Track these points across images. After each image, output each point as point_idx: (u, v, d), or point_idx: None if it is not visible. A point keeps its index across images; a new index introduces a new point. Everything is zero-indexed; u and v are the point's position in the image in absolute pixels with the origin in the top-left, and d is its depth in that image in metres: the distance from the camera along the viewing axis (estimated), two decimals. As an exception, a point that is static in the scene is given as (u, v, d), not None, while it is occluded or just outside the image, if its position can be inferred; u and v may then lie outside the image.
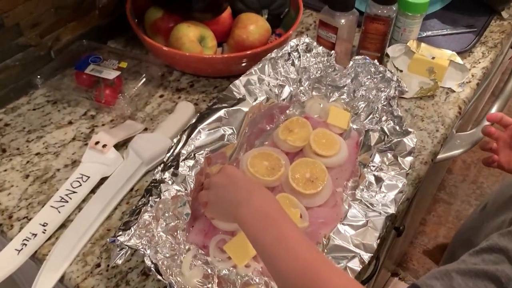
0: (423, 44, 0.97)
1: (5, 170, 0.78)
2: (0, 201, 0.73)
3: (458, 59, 0.95)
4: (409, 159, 0.73)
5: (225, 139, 0.70)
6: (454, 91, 0.95)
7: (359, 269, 0.59)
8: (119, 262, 0.57)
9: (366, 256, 0.60)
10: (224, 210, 0.61)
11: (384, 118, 0.80)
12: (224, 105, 0.72)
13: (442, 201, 2.00)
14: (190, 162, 0.66)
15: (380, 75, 0.83)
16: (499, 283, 0.46)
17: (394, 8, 0.90)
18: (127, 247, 0.57)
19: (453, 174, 2.10)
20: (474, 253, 0.51)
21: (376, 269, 0.79)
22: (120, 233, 0.57)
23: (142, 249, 0.57)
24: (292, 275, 0.49)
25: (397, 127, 0.77)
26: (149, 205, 0.60)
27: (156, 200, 0.61)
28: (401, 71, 0.96)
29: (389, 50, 0.98)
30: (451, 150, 0.99)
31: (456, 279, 0.47)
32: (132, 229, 0.57)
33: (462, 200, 2.01)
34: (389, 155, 0.74)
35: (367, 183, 0.71)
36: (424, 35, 1.05)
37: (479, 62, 1.02)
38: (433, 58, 0.95)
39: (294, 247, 0.51)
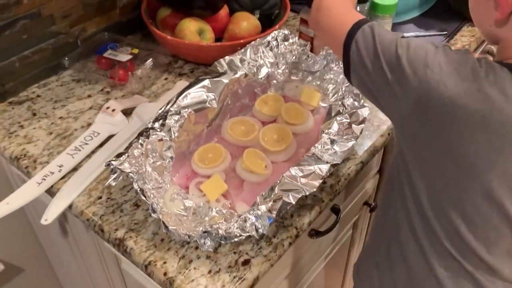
0: (394, 42, 1.11)
1: (34, 128, 0.96)
2: (28, 150, 0.91)
3: (422, 55, 1.09)
4: (361, 126, 0.87)
5: (207, 103, 0.86)
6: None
7: (298, 196, 0.72)
8: (113, 184, 0.73)
9: (308, 192, 0.74)
10: None
11: (346, 96, 0.94)
12: (208, 76, 0.89)
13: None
14: (176, 117, 0.82)
15: (347, 61, 0.98)
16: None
17: (366, 7, 1.05)
18: (118, 170, 0.73)
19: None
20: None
21: (336, 221, 0.93)
22: (114, 158, 0.73)
23: (131, 174, 0.73)
24: None
25: (356, 103, 0.91)
26: (139, 143, 0.77)
27: (145, 140, 0.77)
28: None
29: (363, 46, 1.13)
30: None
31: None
32: (124, 157, 0.73)
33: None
34: (345, 123, 0.88)
35: (322, 143, 0.85)
36: (398, 36, 1.19)
37: (445, 60, 1.15)
38: (400, 53, 1.09)
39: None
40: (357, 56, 0.68)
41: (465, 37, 1.23)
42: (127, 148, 0.77)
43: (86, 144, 0.90)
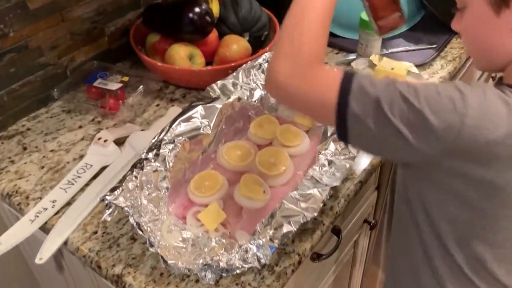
0: (384, 58, 1.11)
1: (25, 163, 0.94)
2: (19, 186, 0.89)
3: (414, 69, 1.09)
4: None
5: (201, 129, 0.85)
6: (412, 97, 1.08)
7: (301, 221, 0.71)
8: (108, 219, 0.72)
9: (309, 218, 0.72)
10: None
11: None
12: (201, 103, 0.88)
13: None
14: (170, 146, 0.81)
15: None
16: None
17: None
18: (113, 205, 0.71)
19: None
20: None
21: (337, 244, 0.91)
22: (109, 193, 0.72)
23: (126, 208, 0.71)
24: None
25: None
26: (133, 175, 0.75)
27: (139, 171, 0.75)
28: (366, 81, 1.10)
29: (354, 64, 1.13)
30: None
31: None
32: (118, 191, 0.72)
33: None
34: (342, 143, 0.87)
35: (320, 164, 0.84)
36: (389, 52, 1.19)
37: (437, 73, 1.15)
38: (392, 69, 1.09)
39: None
40: (357, 120, 0.58)
41: (454, 49, 1.23)
42: (121, 181, 0.75)
43: (79, 177, 0.88)
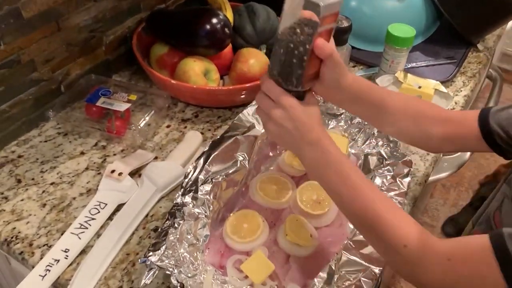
0: (409, 75, 1.05)
1: (22, 200, 0.80)
2: (19, 230, 0.76)
3: (442, 88, 1.03)
4: (406, 180, 0.79)
5: (238, 164, 0.75)
6: (440, 117, 1.02)
7: (371, 282, 0.63)
8: (148, 282, 0.61)
9: (377, 270, 0.65)
10: (286, 145, 0.64)
11: (380, 143, 0.86)
12: (235, 132, 0.77)
13: (425, 224, 2.06)
14: (208, 186, 0.70)
15: (375, 103, 0.89)
16: None
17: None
18: (156, 267, 0.60)
19: (434, 198, 2.18)
20: None
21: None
22: (151, 253, 0.61)
23: (170, 269, 0.60)
24: (356, 211, 0.57)
25: (394, 151, 0.84)
26: (174, 227, 0.64)
27: (180, 222, 0.65)
28: (390, 99, 1.03)
29: (378, 81, 1.05)
30: (439, 172, 1.06)
31: None
32: (162, 249, 0.61)
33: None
34: (388, 177, 0.80)
35: (370, 203, 0.76)
36: (409, 66, 1.13)
37: (461, 91, 1.10)
38: (419, 87, 1.02)
39: (357, 187, 0.57)
40: None
41: (472, 64, 1.19)
42: (160, 234, 0.64)
43: (93, 219, 0.76)
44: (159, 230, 0.65)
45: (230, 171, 0.74)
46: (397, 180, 0.79)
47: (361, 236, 0.70)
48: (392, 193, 0.77)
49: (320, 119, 0.61)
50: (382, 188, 0.78)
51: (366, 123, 0.89)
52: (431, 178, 1.00)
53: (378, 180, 0.79)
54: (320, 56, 0.58)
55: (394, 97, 0.69)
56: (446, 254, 0.53)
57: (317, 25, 0.54)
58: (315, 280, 0.65)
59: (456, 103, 1.07)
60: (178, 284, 0.61)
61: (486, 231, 0.69)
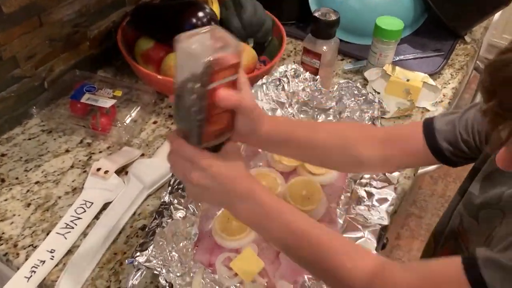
0: (397, 68, 1.04)
1: (6, 200, 0.79)
2: (3, 231, 0.74)
3: (430, 81, 1.03)
4: (395, 174, 0.79)
5: (226, 161, 0.74)
6: (428, 110, 1.02)
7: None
8: (136, 282, 0.60)
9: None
10: (214, 203, 0.60)
11: (369, 137, 0.85)
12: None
13: (413, 215, 2.08)
14: (196, 184, 0.69)
15: (363, 97, 0.89)
16: None
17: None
18: (144, 267, 0.59)
19: (422, 189, 2.19)
20: (503, 249, 0.49)
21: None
22: (138, 254, 0.59)
23: (158, 269, 0.59)
24: (306, 258, 0.54)
25: (382, 145, 0.83)
26: (161, 226, 0.63)
27: (168, 221, 0.64)
28: (378, 93, 1.03)
29: (367, 74, 1.05)
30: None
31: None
32: (149, 249, 0.60)
33: (432, 213, 2.09)
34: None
35: (359, 197, 0.76)
36: (397, 59, 1.13)
37: (449, 83, 1.10)
38: (407, 80, 1.02)
39: (302, 233, 0.54)
40: None
41: (460, 56, 1.19)
42: (148, 234, 0.63)
43: (79, 218, 0.75)
44: (147, 229, 0.64)
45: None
46: (386, 175, 0.79)
47: (353, 232, 0.70)
48: (381, 187, 0.77)
49: (245, 167, 0.55)
50: (371, 183, 0.78)
51: (355, 117, 0.89)
52: (420, 171, 1.00)
53: (367, 174, 0.79)
54: (226, 107, 0.51)
55: (321, 131, 0.67)
56: (410, 286, 0.50)
57: (207, 83, 0.47)
58: (305, 276, 0.64)
59: (444, 95, 1.06)
60: (167, 284, 0.60)
61: (456, 250, 0.69)
